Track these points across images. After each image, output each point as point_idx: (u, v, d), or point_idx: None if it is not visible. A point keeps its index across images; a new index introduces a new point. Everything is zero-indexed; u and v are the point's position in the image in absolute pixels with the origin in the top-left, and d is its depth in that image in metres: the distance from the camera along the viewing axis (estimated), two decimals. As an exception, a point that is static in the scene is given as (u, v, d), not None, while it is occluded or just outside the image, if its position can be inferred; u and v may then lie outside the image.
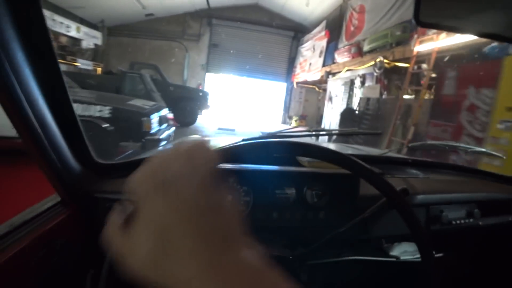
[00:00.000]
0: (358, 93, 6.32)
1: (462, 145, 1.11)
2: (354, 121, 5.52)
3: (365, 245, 0.73)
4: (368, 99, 5.53)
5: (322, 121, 10.36)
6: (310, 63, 9.50)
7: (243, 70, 11.47)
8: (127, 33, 10.88)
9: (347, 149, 1.16)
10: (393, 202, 0.50)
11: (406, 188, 0.69)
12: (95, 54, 9.80)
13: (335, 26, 8.01)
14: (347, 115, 6.05)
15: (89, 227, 0.63)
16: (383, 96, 5.25)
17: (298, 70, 10.98)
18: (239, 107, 11.89)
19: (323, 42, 8.39)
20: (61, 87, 0.55)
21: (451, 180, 0.92)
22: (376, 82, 5.41)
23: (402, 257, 0.72)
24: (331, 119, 7.93)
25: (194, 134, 6.25)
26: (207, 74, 11.46)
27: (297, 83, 11.52)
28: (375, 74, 5.26)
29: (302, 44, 10.91)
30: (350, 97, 6.82)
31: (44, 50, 0.50)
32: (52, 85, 0.53)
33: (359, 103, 5.91)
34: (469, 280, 0.88)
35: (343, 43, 7.02)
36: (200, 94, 8.54)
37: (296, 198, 0.67)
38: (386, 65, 4.92)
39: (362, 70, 5.91)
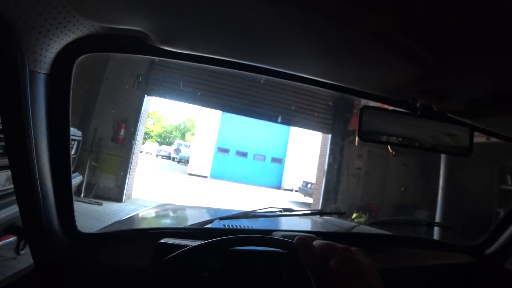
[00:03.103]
0: None
1: (419, 219, 1.76)
2: None
3: None
4: None
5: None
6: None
7: (235, 100, 4.76)
8: None
9: (317, 227, 1.33)
10: None
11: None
12: None
13: None
14: None
15: None
16: None
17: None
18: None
19: None
20: (65, 152, 0.60)
21: (413, 253, 0.98)
22: None
23: None
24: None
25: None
26: (146, 98, 4.54)
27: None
28: None
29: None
30: None
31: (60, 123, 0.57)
32: (59, 149, 0.58)
33: None
34: None
35: None
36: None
37: (274, 276, 0.67)
38: None
39: None
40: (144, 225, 1.27)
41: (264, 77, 0.76)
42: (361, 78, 0.68)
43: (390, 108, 0.74)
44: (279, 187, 12.53)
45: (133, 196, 4.87)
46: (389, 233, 1.12)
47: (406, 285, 0.82)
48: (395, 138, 0.71)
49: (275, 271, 0.67)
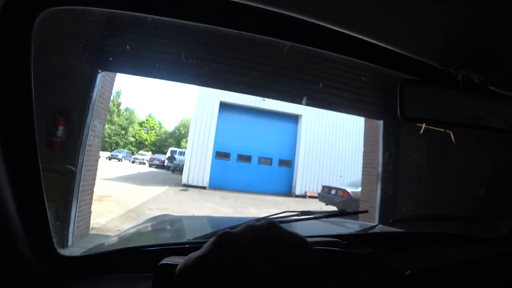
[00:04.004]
0: None
1: (442, 214, 1.48)
2: None
3: None
4: None
5: None
6: None
7: (240, 71, 3.09)
8: None
9: (336, 228, 1.28)
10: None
11: (410, 272, 0.69)
12: None
13: None
14: None
15: None
16: None
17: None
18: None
19: None
20: (29, 144, 0.47)
21: (441, 250, 0.95)
22: None
23: None
24: None
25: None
26: (102, 75, 2.85)
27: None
28: None
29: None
30: None
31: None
32: (18, 140, 0.46)
33: None
34: None
35: None
36: None
37: None
38: None
39: None
40: (140, 242, 1.05)
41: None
42: (403, 36, 0.60)
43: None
44: (289, 193, 10.86)
45: (91, 231, 3.15)
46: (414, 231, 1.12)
47: (433, 283, 0.75)
48: (439, 114, 0.67)
49: None
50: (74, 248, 2.69)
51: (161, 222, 1.37)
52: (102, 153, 17.68)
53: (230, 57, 3.12)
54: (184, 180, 10.02)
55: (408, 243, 0.95)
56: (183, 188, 9.29)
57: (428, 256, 0.88)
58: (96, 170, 2.95)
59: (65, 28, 2.67)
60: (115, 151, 20.33)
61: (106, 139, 22.57)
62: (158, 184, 9.14)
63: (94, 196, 5.61)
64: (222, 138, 10.52)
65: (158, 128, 27.70)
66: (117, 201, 5.49)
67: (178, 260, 0.48)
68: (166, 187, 8.73)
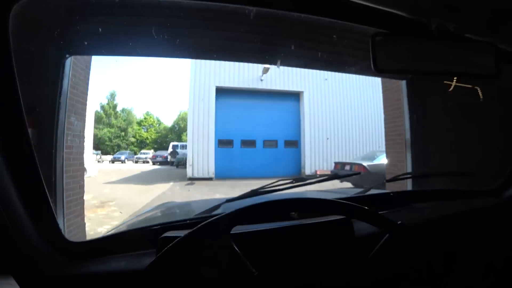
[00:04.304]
0: None
1: (434, 171, 1.53)
2: None
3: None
4: None
5: None
6: None
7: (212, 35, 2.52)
8: None
9: (331, 194, 1.32)
10: (397, 235, 0.57)
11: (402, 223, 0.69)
12: None
13: None
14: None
15: None
16: None
17: None
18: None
19: None
20: (23, 138, 0.50)
21: (435, 206, 0.98)
22: None
23: None
24: None
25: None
26: (71, 60, 2.36)
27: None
28: None
29: None
30: None
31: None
32: (15, 139, 0.49)
33: None
34: None
35: None
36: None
37: (292, 255, 0.63)
38: None
39: None
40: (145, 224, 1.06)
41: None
42: None
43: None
44: (299, 174, 10.51)
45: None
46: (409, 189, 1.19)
47: (428, 237, 0.76)
48: (414, 64, 0.68)
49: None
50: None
51: (166, 208, 1.41)
52: (104, 157, 17.48)
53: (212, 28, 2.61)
54: (189, 173, 9.67)
55: (402, 201, 0.97)
56: (189, 182, 8.93)
57: (421, 211, 0.93)
58: (83, 175, 2.54)
59: (20, 11, 2.13)
60: (117, 153, 20.11)
61: (107, 143, 22.27)
62: (163, 181, 8.80)
63: (96, 202, 5.26)
64: (223, 125, 10.05)
65: (157, 125, 27.32)
66: (121, 205, 5.14)
67: (178, 233, 0.54)
68: (171, 183, 8.39)
